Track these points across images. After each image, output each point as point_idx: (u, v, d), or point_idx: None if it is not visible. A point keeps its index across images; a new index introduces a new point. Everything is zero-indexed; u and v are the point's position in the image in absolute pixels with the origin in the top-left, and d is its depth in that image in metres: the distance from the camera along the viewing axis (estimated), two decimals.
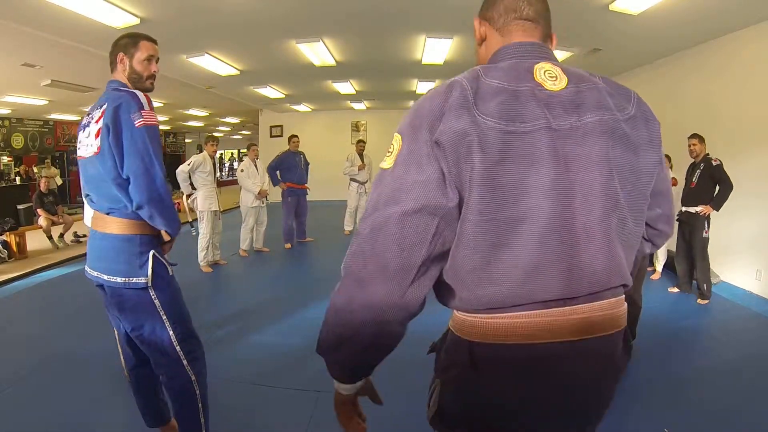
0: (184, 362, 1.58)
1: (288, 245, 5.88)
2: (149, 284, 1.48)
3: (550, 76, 0.69)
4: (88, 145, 1.48)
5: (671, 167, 4.37)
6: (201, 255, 4.71)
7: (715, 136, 4.19)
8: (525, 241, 0.63)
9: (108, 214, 1.49)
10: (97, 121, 1.44)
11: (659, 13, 3.75)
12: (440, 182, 0.64)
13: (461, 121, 0.62)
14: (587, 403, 0.72)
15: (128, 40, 1.53)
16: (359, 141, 6.85)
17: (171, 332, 1.55)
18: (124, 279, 1.47)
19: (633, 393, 2.29)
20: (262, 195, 5.34)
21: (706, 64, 4.60)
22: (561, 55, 5.21)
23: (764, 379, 2.43)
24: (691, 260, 3.85)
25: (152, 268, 1.48)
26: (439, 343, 0.82)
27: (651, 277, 4.45)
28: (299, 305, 3.62)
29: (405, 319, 0.69)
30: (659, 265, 4.55)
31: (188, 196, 4.80)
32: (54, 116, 10.83)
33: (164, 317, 1.53)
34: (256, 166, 5.39)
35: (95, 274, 1.52)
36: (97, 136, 1.43)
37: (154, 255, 1.50)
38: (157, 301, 1.52)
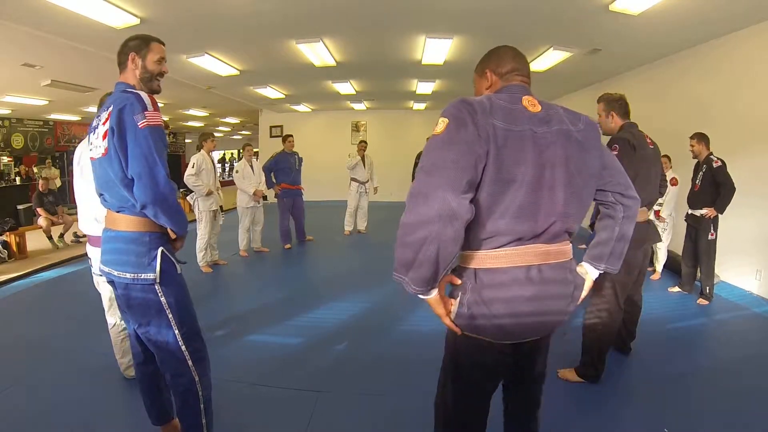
0: (189, 362, 1.59)
1: (287, 245, 5.87)
2: (157, 281, 1.50)
3: (530, 104, 1.12)
4: (97, 146, 1.51)
5: (671, 167, 4.37)
6: (200, 255, 4.71)
7: (714, 135, 4.18)
8: (515, 193, 1.04)
9: (118, 212, 1.52)
10: (104, 123, 1.46)
11: (659, 14, 3.75)
12: (478, 138, 1.02)
13: (486, 120, 1.04)
14: (550, 303, 1.12)
15: (139, 41, 1.56)
16: (361, 141, 6.85)
17: (177, 331, 1.56)
18: (132, 275, 1.49)
19: (632, 393, 2.29)
20: (258, 196, 5.32)
21: (705, 65, 4.60)
22: (560, 55, 5.21)
23: (764, 379, 2.43)
24: (696, 261, 3.85)
25: (160, 265, 1.50)
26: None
27: (651, 277, 4.45)
28: (299, 305, 3.62)
29: (463, 215, 0.99)
30: (659, 266, 4.55)
31: (187, 195, 4.79)
32: (54, 116, 10.83)
33: (170, 315, 1.54)
34: (252, 166, 5.36)
35: (107, 270, 1.55)
36: (104, 138, 1.45)
37: (162, 252, 1.51)
38: (164, 299, 1.53)
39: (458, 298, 1.11)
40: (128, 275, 1.49)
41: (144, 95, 1.44)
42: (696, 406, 2.16)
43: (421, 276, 1.01)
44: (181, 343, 1.56)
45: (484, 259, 1.08)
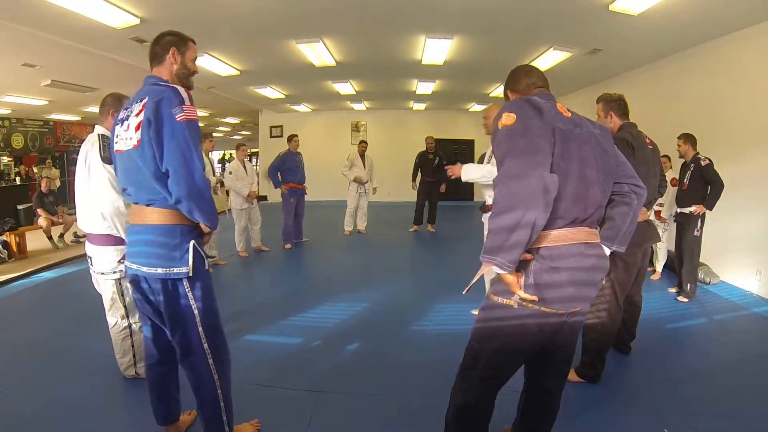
0: (210, 360, 1.58)
1: (288, 245, 5.88)
2: (190, 274, 1.48)
3: (563, 110, 1.30)
4: (127, 138, 1.47)
5: (671, 167, 4.37)
6: None
7: (714, 136, 4.20)
8: (570, 183, 1.22)
9: (148, 205, 1.49)
10: (137, 115, 1.43)
11: (659, 13, 3.75)
12: (546, 130, 1.19)
13: (547, 115, 1.22)
14: (594, 274, 1.32)
15: (178, 38, 1.55)
16: (361, 142, 6.84)
17: (200, 328, 1.55)
18: (165, 270, 1.47)
19: (632, 393, 2.29)
20: (251, 197, 5.28)
21: (705, 65, 4.60)
22: (561, 55, 5.21)
23: (764, 379, 2.43)
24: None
25: (192, 258, 1.48)
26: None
27: (651, 277, 4.45)
28: (298, 305, 3.62)
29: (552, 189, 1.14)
30: (659, 266, 4.55)
31: None
32: (54, 116, 10.84)
33: (196, 312, 1.53)
34: (245, 167, 5.31)
35: (134, 267, 1.53)
36: (137, 129, 1.42)
37: (194, 245, 1.49)
38: (190, 294, 1.51)
39: (524, 270, 1.25)
40: (159, 270, 1.47)
41: (181, 89, 1.43)
42: (696, 406, 2.16)
43: (514, 253, 1.14)
44: (203, 339, 1.56)
45: (548, 238, 1.24)
